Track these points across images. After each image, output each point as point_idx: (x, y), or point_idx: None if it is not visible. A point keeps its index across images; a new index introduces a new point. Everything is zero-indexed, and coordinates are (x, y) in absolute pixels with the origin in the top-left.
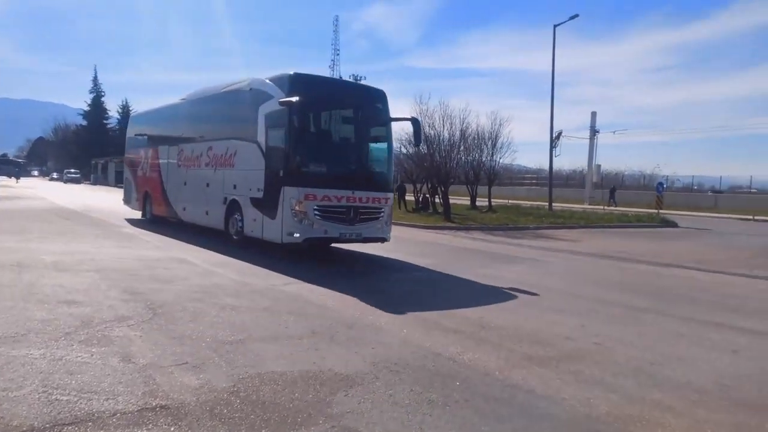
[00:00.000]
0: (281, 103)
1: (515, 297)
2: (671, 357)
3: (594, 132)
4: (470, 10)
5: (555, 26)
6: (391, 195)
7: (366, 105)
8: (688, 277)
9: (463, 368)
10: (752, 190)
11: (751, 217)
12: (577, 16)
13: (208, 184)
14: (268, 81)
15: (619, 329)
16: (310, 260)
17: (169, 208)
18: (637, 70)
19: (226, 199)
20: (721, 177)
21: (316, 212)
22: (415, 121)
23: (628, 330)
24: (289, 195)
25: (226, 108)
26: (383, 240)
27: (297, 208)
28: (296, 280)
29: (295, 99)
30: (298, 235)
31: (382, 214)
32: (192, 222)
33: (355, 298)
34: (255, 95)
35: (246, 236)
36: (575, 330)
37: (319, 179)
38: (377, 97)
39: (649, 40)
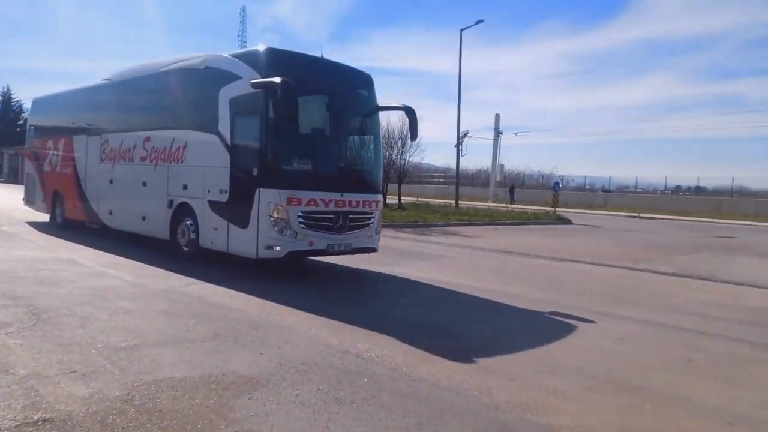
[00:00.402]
0: (255, 86)
1: (422, 291)
2: (565, 345)
3: (498, 133)
4: (381, 10)
5: (462, 30)
6: (380, 197)
7: (354, 90)
8: (581, 270)
9: (371, 365)
10: (638, 190)
11: (636, 214)
12: (482, 21)
13: (145, 183)
14: (232, 58)
15: (517, 320)
16: (213, 259)
17: (88, 211)
18: (538, 75)
19: (172, 201)
20: (610, 177)
21: (301, 220)
22: (409, 111)
23: (525, 320)
24: (267, 199)
25: (172, 90)
26: (373, 250)
27: (277, 215)
28: (197, 281)
29: (278, 80)
30: (279, 248)
31: (372, 219)
32: (122, 229)
33: (260, 298)
34: (213, 75)
35: (202, 248)
36: (478, 322)
37: (303, 179)
38: (366, 82)
39: (548, 47)
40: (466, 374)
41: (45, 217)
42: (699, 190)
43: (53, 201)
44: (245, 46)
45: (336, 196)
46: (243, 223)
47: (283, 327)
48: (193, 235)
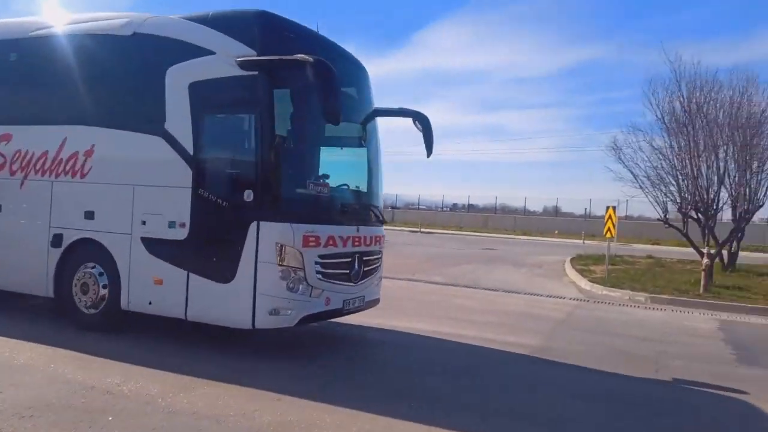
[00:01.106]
0: (247, 66)
1: None
2: (340, 358)
3: None
4: (173, 9)
5: None
6: (384, 231)
7: (361, 85)
8: None
9: (121, 399)
10: (421, 207)
11: (418, 229)
12: None
13: None
14: (192, 23)
15: (292, 338)
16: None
17: None
18: None
19: (60, 237)
20: (397, 195)
21: (318, 268)
22: (421, 118)
23: (299, 338)
24: (273, 237)
25: (57, 65)
26: (378, 302)
27: (287, 262)
28: None
29: (312, 59)
30: (291, 311)
31: (380, 261)
32: None
33: None
34: (151, 47)
35: (126, 311)
36: (252, 344)
37: (317, 209)
38: (366, 75)
39: None
40: (231, 399)
41: None
42: (471, 207)
43: None
44: None
45: (352, 231)
46: (222, 274)
47: (12, 366)
48: (104, 291)
